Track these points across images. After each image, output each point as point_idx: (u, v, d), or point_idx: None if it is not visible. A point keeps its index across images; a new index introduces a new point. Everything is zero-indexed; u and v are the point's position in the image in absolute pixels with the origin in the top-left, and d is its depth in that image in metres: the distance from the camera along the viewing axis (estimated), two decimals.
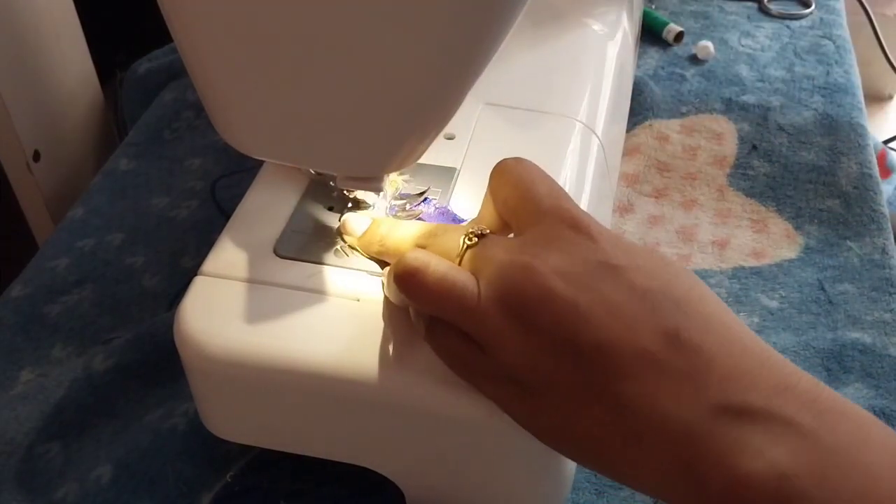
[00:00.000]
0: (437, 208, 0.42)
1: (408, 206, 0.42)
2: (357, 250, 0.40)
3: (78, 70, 0.72)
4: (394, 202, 0.42)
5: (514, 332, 0.32)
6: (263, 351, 0.36)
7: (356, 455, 0.39)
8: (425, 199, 0.42)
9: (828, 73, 0.74)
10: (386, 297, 0.38)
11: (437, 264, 0.33)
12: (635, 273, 0.31)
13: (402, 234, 0.38)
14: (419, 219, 0.42)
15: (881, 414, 0.46)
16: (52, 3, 0.67)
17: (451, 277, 0.33)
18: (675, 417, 0.29)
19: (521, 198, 0.35)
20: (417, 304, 0.35)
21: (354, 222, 0.40)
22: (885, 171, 1.02)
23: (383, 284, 0.38)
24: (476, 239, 0.34)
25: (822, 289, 0.54)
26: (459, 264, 0.34)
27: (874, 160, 0.65)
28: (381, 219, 0.40)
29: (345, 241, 0.41)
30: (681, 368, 0.29)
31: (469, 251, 0.34)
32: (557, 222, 0.33)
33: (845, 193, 0.61)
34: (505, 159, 0.37)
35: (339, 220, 0.41)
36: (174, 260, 0.57)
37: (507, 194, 0.36)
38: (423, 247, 0.36)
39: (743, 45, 0.77)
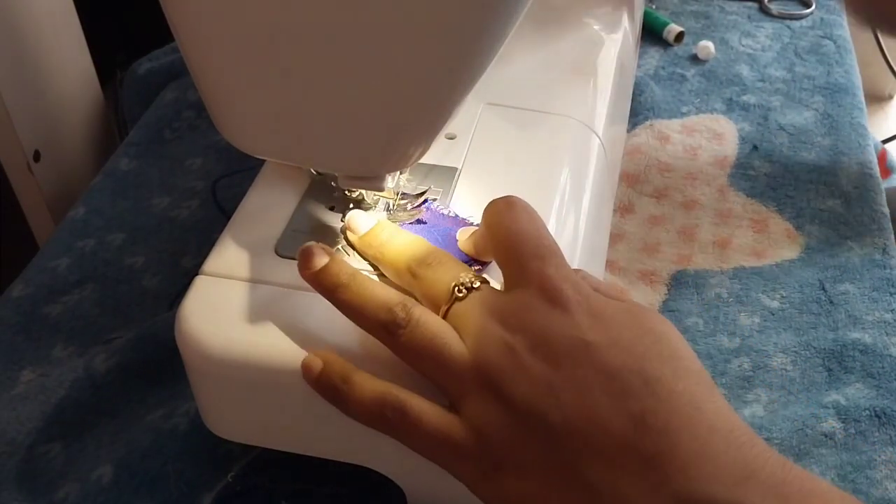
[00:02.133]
0: (439, 210, 0.42)
1: (408, 207, 0.42)
2: (354, 249, 0.40)
3: (78, 70, 0.72)
4: (394, 202, 0.42)
5: (494, 402, 0.33)
6: (265, 350, 0.36)
7: (357, 455, 0.39)
8: (425, 199, 0.42)
9: (828, 73, 0.74)
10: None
11: (428, 321, 0.34)
12: (608, 350, 0.32)
13: (398, 250, 0.38)
14: (421, 220, 0.42)
15: (882, 414, 0.46)
16: (52, 3, 0.67)
17: (442, 338, 0.34)
18: None
19: (507, 256, 0.36)
20: (401, 354, 0.35)
21: (359, 220, 0.40)
22: (886, 171, 1.02)
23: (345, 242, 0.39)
24: (466, 292, 0.35)
25: (823, 289, 0.54)
26: (447, 311, 0.35)
27: (875, 160, 0.65)
28: (385, 223, 0.40)
29: (347, 238, 0.41)
30: (646, 453, 0.30)
31: (457, 303, 0.35)
32: (538, 292, 0.34)
33: (846, 193, 0.61)
34: (496, 201, 0.37)
35: (346, 216, 0.41)
36: (175, 260, 0.57)
37: (496, 245, 0.36)
38: (413, 273, 0.36)
39: (743, 45, 0.77)
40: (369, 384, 0.34)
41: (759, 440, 0.31)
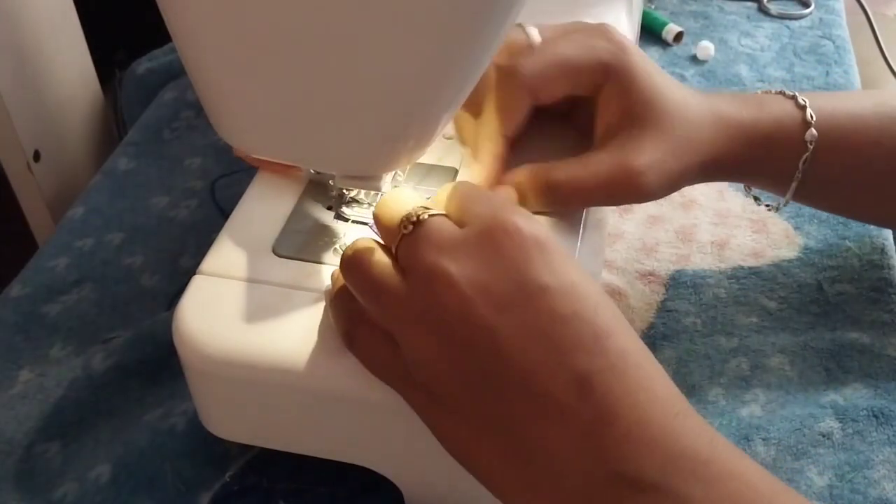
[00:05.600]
0: None
1: None
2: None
3: (78, 70, 0.72)
4: None
5: (429, 338, 0.31)
6: (262, 350, 0.36)
7: (355, 454, 0.39)
8: None
9: (827, 74, 0.74)
10: None
11: (375, 256, 0.33)
12: (562, 295, 0.30)
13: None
14: None
15: (880, 414, 0.46)
16: (52, 3, 0.67)
17: (380, 270, 0.33)
18: (573, 475, 0.29)
19: (466, 195, 0.34)
20: (351, 283, 0.34)
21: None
22: None
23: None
24: (411, 227, 0.33)
25: (821, 289, 0.54)
26: (396, 250, 0.33)
27: None
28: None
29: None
30: (585, 419, 0.29)
31: (405, 238, 0.33)
32: (495, 226, 0.31)
33: None
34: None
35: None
36: (173, 259, 0.57)
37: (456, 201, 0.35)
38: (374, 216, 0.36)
39: (742, 45, 0.77)
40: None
41: (690, 409, 0.30)
